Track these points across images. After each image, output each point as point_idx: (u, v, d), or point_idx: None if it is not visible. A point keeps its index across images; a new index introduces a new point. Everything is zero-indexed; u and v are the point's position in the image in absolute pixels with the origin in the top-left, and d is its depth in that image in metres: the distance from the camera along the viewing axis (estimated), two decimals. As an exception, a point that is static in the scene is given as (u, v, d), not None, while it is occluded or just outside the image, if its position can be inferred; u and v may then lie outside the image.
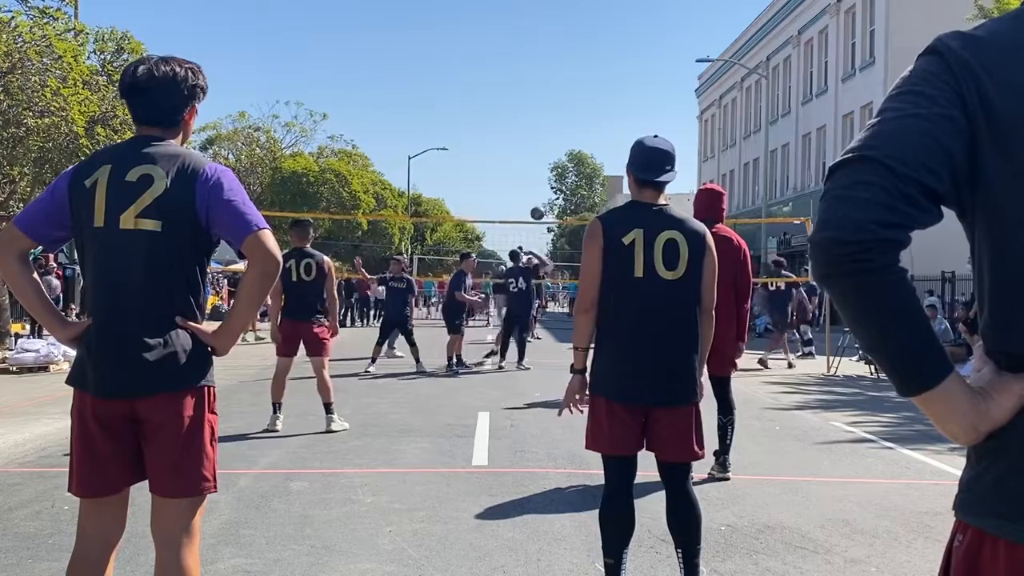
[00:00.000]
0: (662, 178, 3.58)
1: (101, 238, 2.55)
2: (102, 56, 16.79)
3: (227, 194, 2.56)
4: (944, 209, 1.27)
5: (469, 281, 14.73)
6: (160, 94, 2.63)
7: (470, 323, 20.22)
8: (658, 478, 3.70)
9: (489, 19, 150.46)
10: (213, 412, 2.65)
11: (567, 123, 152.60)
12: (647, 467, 3.78)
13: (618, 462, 3.55)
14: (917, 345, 1.21)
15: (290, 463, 6.58)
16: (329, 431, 7.83)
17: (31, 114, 12.89)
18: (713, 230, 5.13)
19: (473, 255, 16.35)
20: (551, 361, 14.88)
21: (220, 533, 4.70)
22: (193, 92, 2.70)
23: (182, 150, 2.66)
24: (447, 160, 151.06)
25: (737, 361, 6.15)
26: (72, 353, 2.87)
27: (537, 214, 33.63)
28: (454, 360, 13.75)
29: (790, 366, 15.28)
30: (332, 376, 8.14)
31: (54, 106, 12.80)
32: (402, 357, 14.83)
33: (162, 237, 2.52)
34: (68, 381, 2.63)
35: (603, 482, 3.62)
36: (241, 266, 14.98)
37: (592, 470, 5.97)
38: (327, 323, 8.08)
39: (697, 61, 53.25)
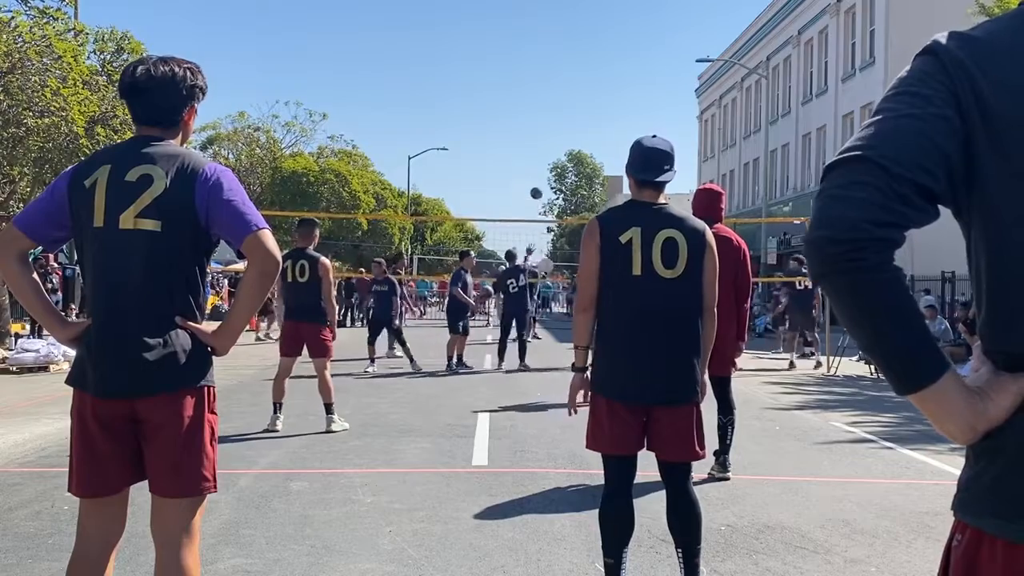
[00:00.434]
0: (661, 178, 3.58)
1: (101, 238, 2.55)
2: (102, 56, 16.79)
3: (227, 194, 2.56)
4: (942, 208, 1.28)
5: (469, 279, 14.76)
6: (159, 94, 2.64)
7: (470, 323, 20.18)
8: (658, 478, 3.70)
9: (489, 19, 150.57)
10: (213, 412, 2.65)
11: (567, 123, 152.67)
12: (647, 467, 3.78)
13: (618, 462, 3.55)
14: (912, 344, 1.21)
15: (290, 463, 6.58)
16: (329, 431, 7.84)
17: (31, 114, 12.89)
18: (712, 230, 5.13)
19: (472, 253, 16.40)
20: (551, 361, 14.89)
21: (220, 533, 4.70)
22: (192, 92, 2.70)
23: (182, 150, 2.66)
24: (447, 160, 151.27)
25: (737, 361, 6.19)
26: (72, 353, 2.86)
27: (536, 194, 32.96)
28: (454, 359, 13.77)
29: (791, 366, 15.27)
30: (332, 376, 8.15)
31: (54, 106, 12.81)
32: (402, 357, 14.85)
33: (162, 237, 2.53)
34: (68, 381, 2.63)
35: (603, 482, 3.63)
36: (241, 266, 15.01)
37: (592, 470, 5.97)
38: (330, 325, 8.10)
39: (697, 61, 53.21)
